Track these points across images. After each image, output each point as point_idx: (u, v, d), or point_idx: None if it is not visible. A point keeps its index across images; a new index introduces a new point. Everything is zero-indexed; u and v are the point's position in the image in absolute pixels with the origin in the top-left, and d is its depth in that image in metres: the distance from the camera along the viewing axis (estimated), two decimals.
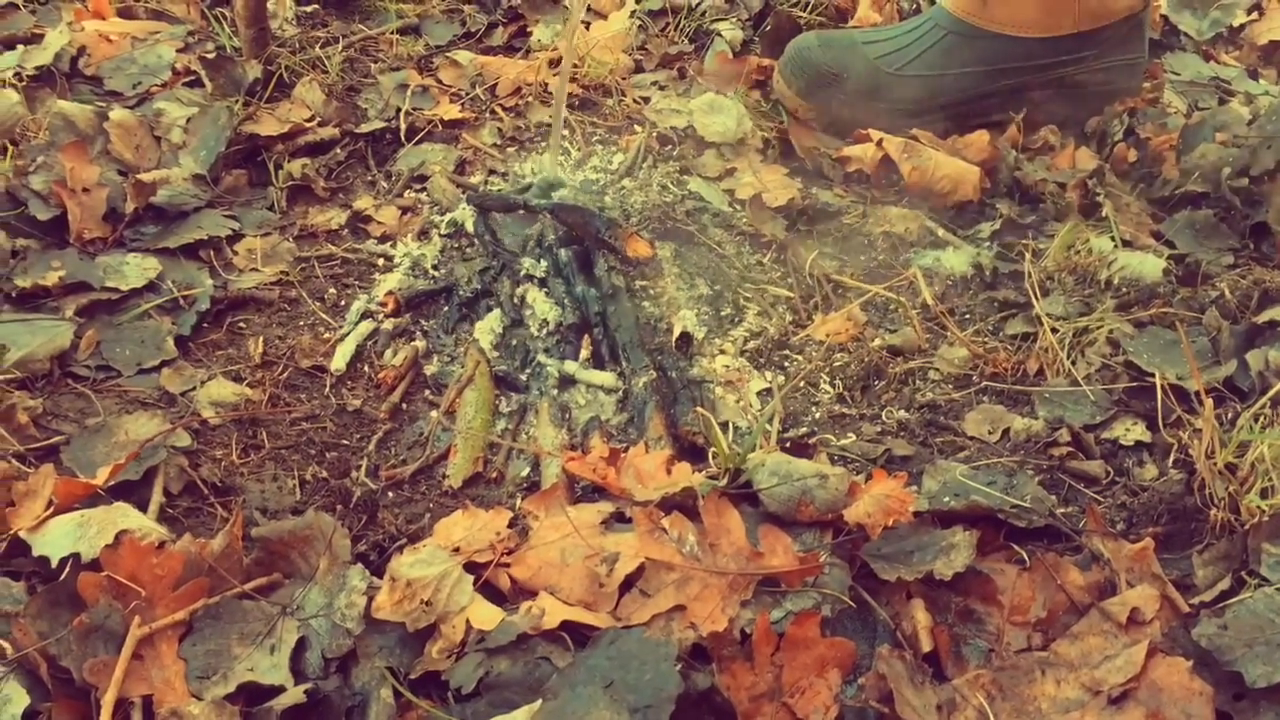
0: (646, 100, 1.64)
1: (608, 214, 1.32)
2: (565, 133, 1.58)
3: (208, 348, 1.23)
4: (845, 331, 1.26)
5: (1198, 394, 1.06)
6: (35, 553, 0.93)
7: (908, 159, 1.47)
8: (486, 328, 1.24)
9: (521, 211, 1.37)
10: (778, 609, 0.91)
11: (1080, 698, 0.84)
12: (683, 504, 0.99)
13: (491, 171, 1.51)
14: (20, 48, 1.63)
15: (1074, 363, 1.17)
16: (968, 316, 1.28)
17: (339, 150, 1.52)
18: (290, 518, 0.99)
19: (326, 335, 1.26)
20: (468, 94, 1.64)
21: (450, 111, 1.59)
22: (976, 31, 1.54)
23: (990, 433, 1.13)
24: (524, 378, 1.21)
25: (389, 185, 1.49)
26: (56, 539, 0.93)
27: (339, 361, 1.22)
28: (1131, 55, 1.61)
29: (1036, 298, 1.24)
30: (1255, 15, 1.92)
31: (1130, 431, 1.10)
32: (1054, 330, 1.19)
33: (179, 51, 1.65)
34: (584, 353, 1.22)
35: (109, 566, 0.89)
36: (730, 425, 1.14)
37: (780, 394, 1.18)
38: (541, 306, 1.26)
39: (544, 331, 1.24)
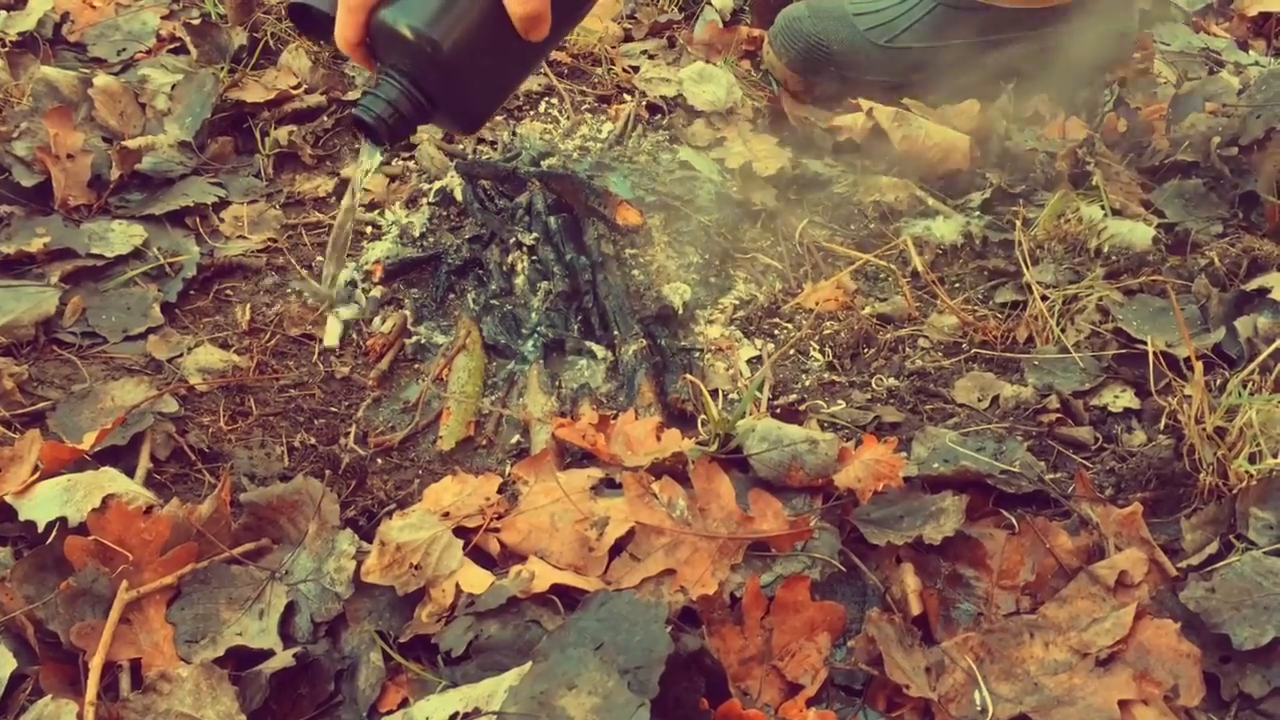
0: (636, 69, 1.63)
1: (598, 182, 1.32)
2: (555, 101, 1.57)
3: (194, 315, 1.23)
4: (835, 299, 1.26)
5: (1187, 360, 1.06)
6: (22, 517, 0.92)
7: (898, 128, 1.47)
8: (476, 296, 1.24)
9: (510, 179, 1.37)
10: (768, 573, 0.91)
11: (1068, 660, 0.85)
12: (672, 469, 0.99)
13: (480, 140, 1.50)
14: (3, 13, 1.61)
15: (1063, 330, 1.17)
16: (958, 285, 1.28)
17: (326, 118, 1.51)
18: (279, 484, 0.99)
19: (314, 303, 1.25)
20: None
21: None
22: (967, 3, 1.53)
23: (980, 400, 1.13)
24: (514, 345, 1.20)
25: None
26: (43, 503, 0.93)
27: (331, 339, 1.21)
28: (1122, 26, 1.60)
29: (1026, 266, 1.23)
30: None
31: (1119, 398, 1.11)
32: (1044, 298, 1.19)
33: (163, 18, 1.63)
34: (574, 322, 1.22)
35: (96, 531, 0.89)
36: (720, 393, 1.14)
37: (770, 361, 1.17)
38: (531, 274, 1.25)
39: (534, 299, 1.24)
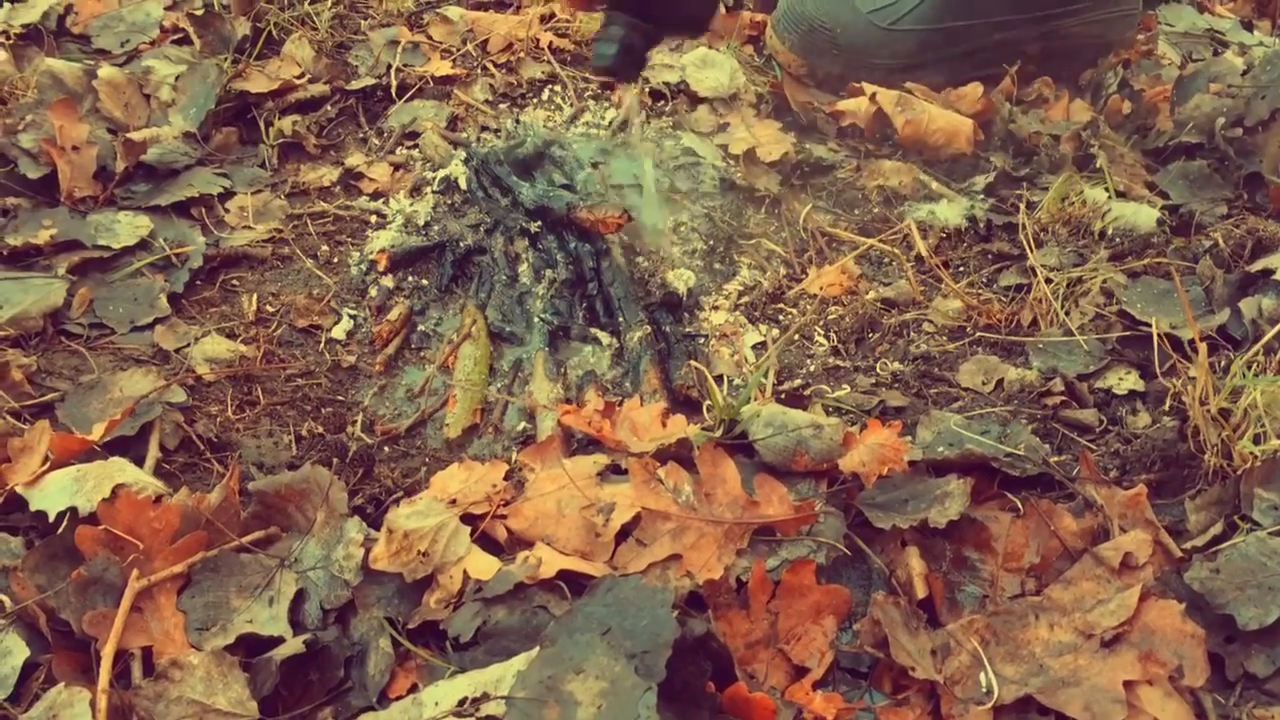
0: None
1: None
2: (558, 89, 1.57)
3: (201, 305, 1.23)
4: (840, 284, 1.26)
5: (1191, 342, 1.06)
6: (32, 507, 0.93)
7: (901, 113, 1.47)
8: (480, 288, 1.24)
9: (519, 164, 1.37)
10: (773, 557, 0.91)
11: (1073, 641, 0.85)
12: (678, 455, 0.99)
13: (484, 128, 1.50)
14: (7, 5, 1.62)
15: (1068, 313, 1.17)
16: (962, 268, 1.28)
17: (330, 107, 1.52)
18: (287, 472, 0.99)
19: (319, 292, 1.26)
20: (459, 50, 1.63)
21: (441, 68, 1.58)
22: None
23: (984, 383, 1.13)
24: (519, 333, 1.20)
25: (381, 142, 1.48)
26: (53, 494, 0.93)
27: (339, 332, 1.22)
28: (1125, 7, 1.60)
29: (1030, 249, 1.23)
30: None
31: (1123, 380, 1.11)
32: (1048, 281, 1.19)
33: (167, 9, 1.64)
34: (579, 309, 1.22)
35: (106, 520, 0.89)
36: (725, 378, 1.14)
37: (775, 347, 1.18)
38: (535, 262, 1.26)
39: (538, 287, 1.24)
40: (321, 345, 1.20)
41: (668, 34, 1.13)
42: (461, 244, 1.29)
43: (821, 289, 1.26)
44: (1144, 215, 1.29)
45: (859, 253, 1.29)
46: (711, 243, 1.31)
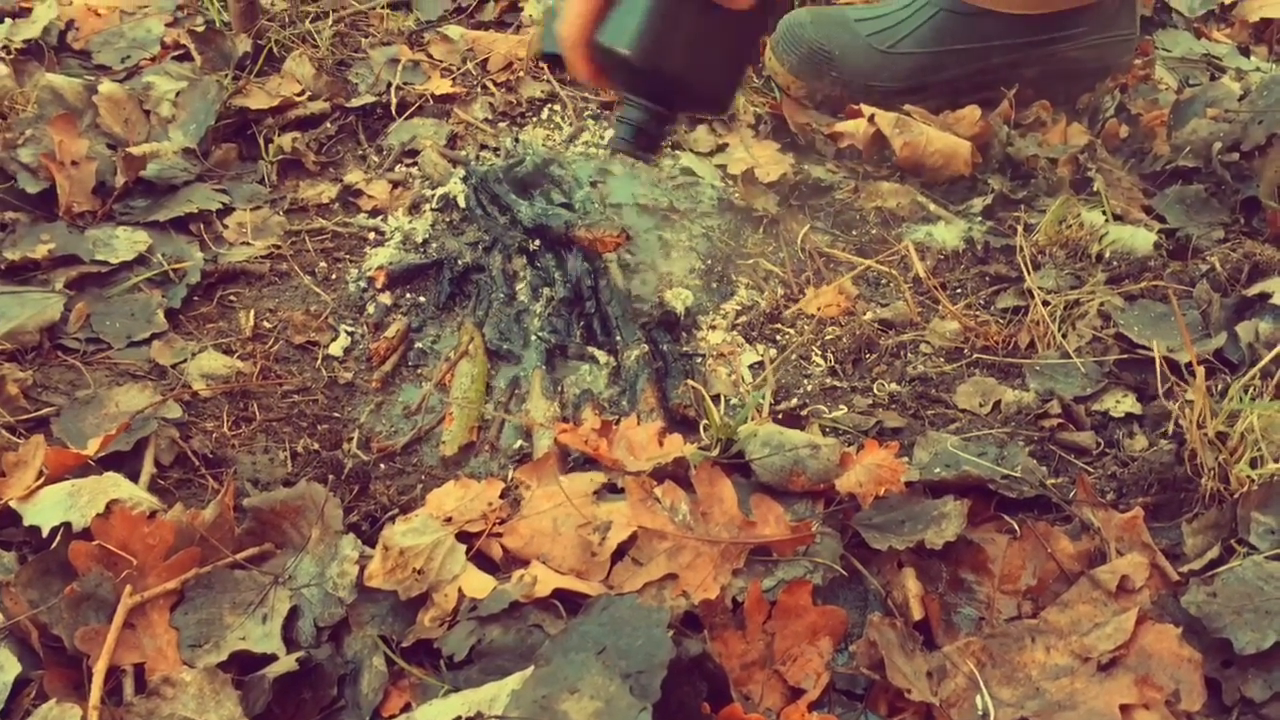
0: None
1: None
2: (557, 108, 1.58)
3: (198, 321, 1.23)
4: (837, 305, 1.26)
5: (1189, 365, 1.06)
6: (26, 522, 0.93)
7: (900, 134, 1.47)
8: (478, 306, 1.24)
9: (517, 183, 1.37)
10: (769, 577, 0.91)
11: (1070, 664, 0.85)
12: (675, 474, 0.99)
13: (483, 146, 1.50)
14: (8, 21, 1.62)
15: (1065, 335, 1.18)
16: (959, 290, 1.29)
17: (329, 124, 1.52)
18: (282, 489, 0.99)
19: (317, 309, 1.26)
20: (459, 69, 1.63)
21: (441, 86, 1.58)
22: (969, 9, 1.54)
23: (981, 405, 1.13)
24: (516, 351, 1.20)
25: (380, 160, 1.48)
26: (47, 508, 0.93)
27: (336, 348, 1.22)
28: (1123, 32, 1.61)
29: (1028, 271, 1.24)
30: None
31: (1120, 403, 1.11)
32: (1045, 303, 1.19)
33: (168, 25, 1.65)
34: (576, 327, 1.22)
35: (100, 536, 0.89)
36: (722, 398, 1.14)
37: (772, 367, 1.18)
38: (533, 280, 1.26)
39: (536, 305, 1.24)
40: (318, 362, 1.20)
41: (685, 113, 1.11)
42: (459, 262, 1.29)
43: (819, 309, 1.26)
44: (1141, 238, 1.30)
45: (856, 273, 1.29)
46: (709, 262, 1.31)
